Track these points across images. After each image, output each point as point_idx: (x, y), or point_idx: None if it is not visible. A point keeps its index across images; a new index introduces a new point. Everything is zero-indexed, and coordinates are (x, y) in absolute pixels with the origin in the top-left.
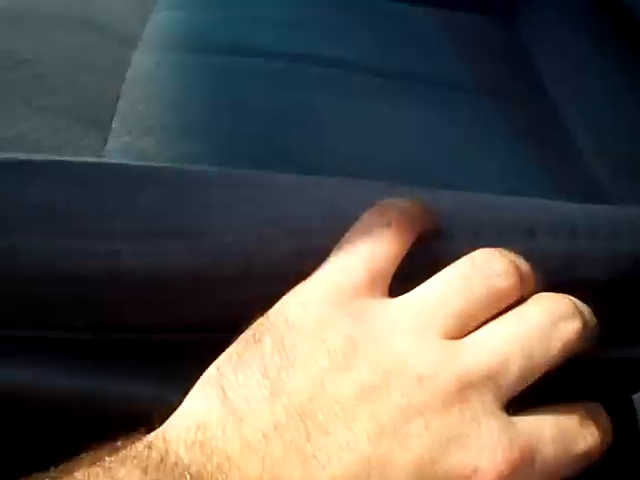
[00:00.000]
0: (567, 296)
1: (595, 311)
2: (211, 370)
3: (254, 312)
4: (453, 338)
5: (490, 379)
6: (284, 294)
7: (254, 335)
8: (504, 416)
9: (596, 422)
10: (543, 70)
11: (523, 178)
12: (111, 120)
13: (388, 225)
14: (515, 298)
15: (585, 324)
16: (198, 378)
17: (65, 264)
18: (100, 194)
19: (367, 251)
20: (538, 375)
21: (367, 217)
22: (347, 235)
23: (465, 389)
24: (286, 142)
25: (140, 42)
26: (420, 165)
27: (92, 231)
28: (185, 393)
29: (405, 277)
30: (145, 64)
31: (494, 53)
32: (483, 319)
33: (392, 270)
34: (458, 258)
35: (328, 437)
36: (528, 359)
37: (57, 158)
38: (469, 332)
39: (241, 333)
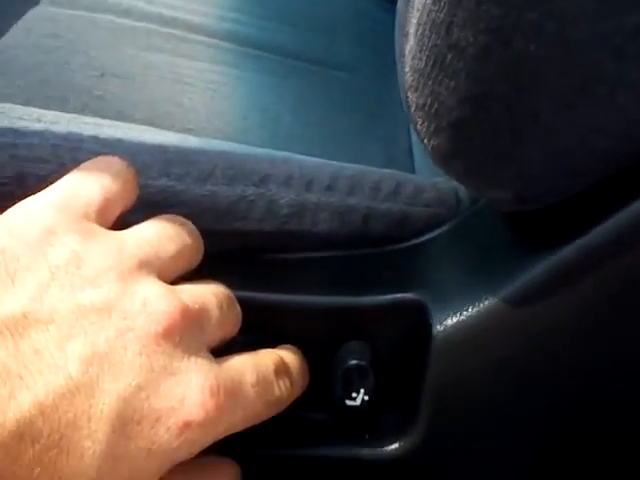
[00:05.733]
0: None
1: (321, 261)
2: None
3: None
4: (166, 281)
5: (202, 320)
6: None
7: None
8: (211, 356)
9: (289, 372)
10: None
11: (328, 143)
12: None
13: (126, 169)
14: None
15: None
16: None
17: None
18: None
19: (105, 182)
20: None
21: (107, 158)
22: (87, 164)
23: (184, 323)
24: (104, 91)
25: None
26: (228, 124)
27: None
28: None
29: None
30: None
31: (367, 33)
32: (186, 269)
33: (119, 210)
34: (179, 199)
35: (38, 356)
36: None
37: None
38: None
39: None
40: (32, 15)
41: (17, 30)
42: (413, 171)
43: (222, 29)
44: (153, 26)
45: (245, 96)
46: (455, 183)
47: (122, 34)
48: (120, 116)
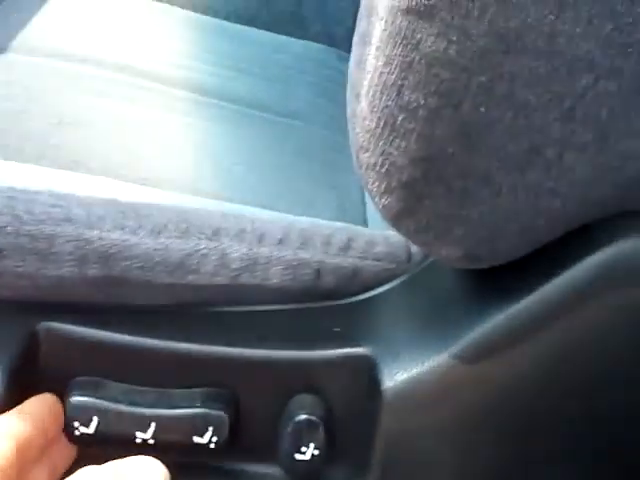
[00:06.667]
0: None
1: (272, 315)
2: None
3: None
4: None
5: None
6: None
7: None
8: None
9: None
10: None
11: (281, 193)
12: None
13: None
14: None
15: None
16: None
17: None
18: None
19: None
20: None
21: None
22: None
23: None
24: (60, 140)
25: None
26: (181, 174)
27: None
28: None
29: None
30: None
31: (323, 82)
32: None
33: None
34: (132, 252)
35: None
36: None
37: None
38: None
39: None
40: None
41: None
42: (365, 221)
43: (176, 77)
44: (109, 73)
45: (198, 145)
46: None
47: (79, 82)
48: (76, 165)
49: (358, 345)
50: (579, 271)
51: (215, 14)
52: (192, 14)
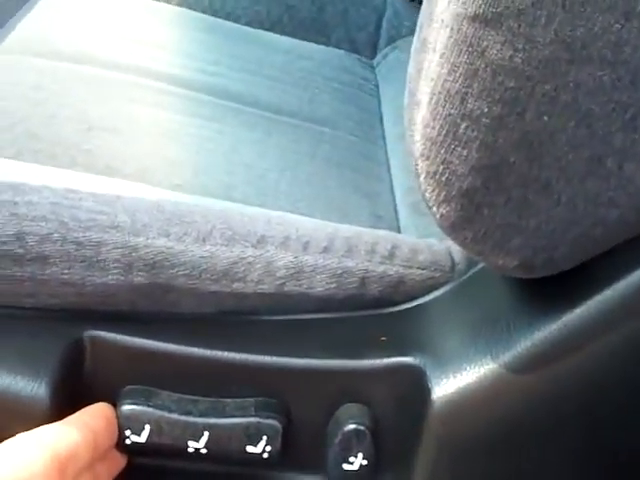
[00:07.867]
0: None
1: (317, 323)
2: None
3: None
4: None
5: None
6: None
7: None
8: None
9: None
10: (384, 109)
11: (315, 200)
12: None
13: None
14: None
15: None
16: None
17: None
18: None
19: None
20: None
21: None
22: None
23: None
24: (92, 145)
25: None
26: (214, 180)
27: None
28: None
29: None
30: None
31: (347, 88)
32: None
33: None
34: (178, 259)
35: None
36: None
37: None
38: None
39: None
40: (16, 66)
41: (1, 81)
42: (399, 229)
43: (202, 82)
44: (135, 78)
45: (229, 151)
46: (449, 244)
47: (106, 87)
48: (109, 171)
49: (406, 354)
50: (633, 281)
51: (237, 20)
52: (214, 19)
